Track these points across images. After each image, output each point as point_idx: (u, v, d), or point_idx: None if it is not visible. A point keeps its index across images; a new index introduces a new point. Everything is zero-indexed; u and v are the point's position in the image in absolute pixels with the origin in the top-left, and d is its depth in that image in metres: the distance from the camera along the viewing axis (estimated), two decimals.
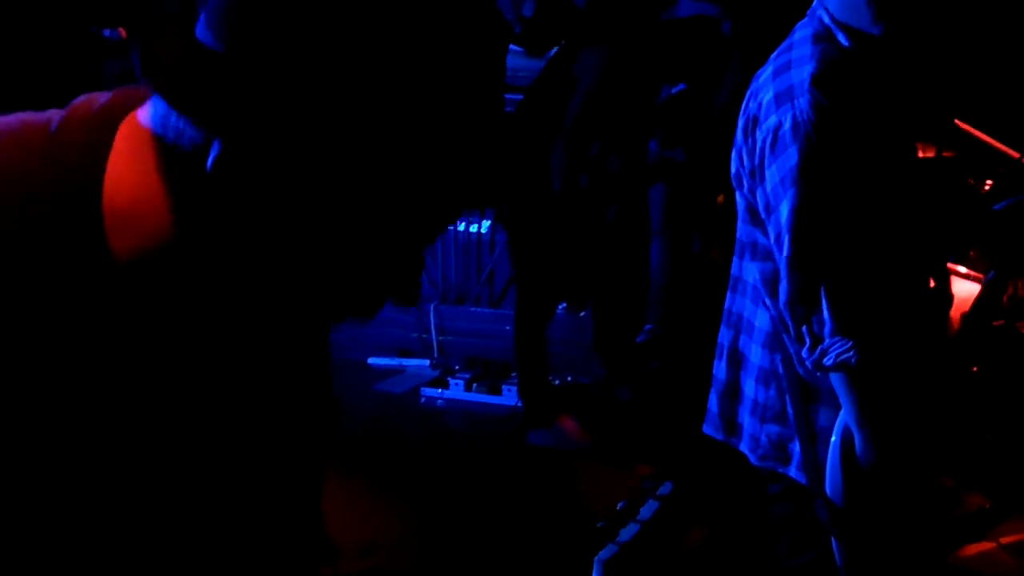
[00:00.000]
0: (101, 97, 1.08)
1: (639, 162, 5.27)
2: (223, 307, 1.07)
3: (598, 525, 3.40)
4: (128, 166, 1.03)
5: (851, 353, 2.27)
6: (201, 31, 0.96)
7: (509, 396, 5.53)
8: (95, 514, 1.05)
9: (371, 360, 6.03)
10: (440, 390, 5.67)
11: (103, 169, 1.03)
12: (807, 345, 2.30)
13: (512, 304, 5.99)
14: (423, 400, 5.65)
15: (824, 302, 2.27)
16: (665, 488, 3.76)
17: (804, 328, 2.30)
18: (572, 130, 4.68)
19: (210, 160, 0.98)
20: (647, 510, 3.61)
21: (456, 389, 5.64)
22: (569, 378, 5.61)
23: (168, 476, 1.09)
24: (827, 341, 2.28)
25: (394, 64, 0.96)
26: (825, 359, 2.29)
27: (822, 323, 2.28)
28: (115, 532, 1.07)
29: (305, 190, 0.98)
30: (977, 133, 4.93)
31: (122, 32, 5.79)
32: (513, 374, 5.63)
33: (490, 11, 1.03)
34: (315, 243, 1.01)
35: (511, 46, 5.83)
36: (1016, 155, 4.70)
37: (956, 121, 4.84)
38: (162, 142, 1.01)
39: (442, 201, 1.03)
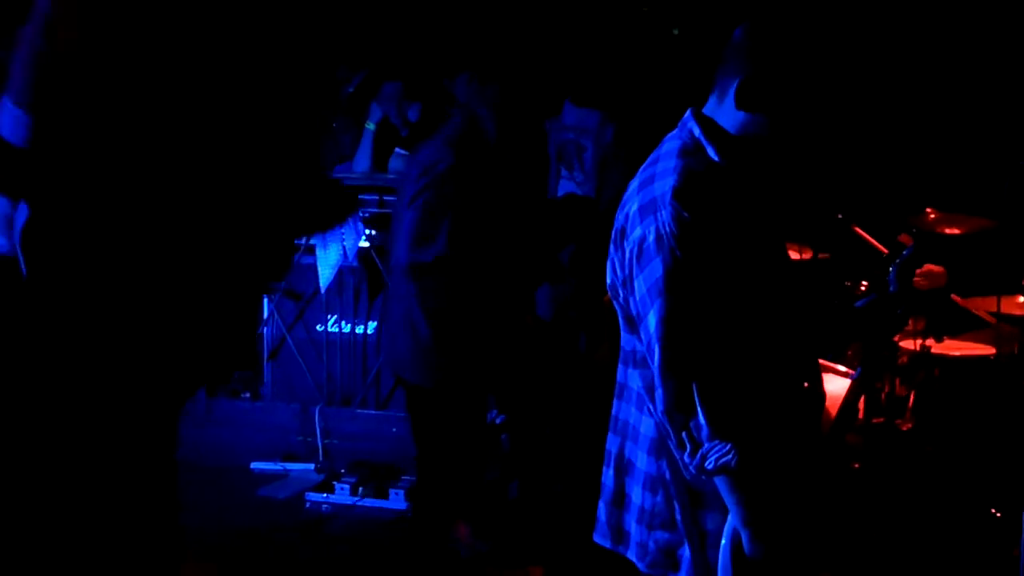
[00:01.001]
0: None
1: (525, 261, 5.30)
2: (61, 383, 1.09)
3: None
4: None
5: (730, 456, 2.30)
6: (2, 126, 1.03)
7: (397, 500, 5.47)
8: None
9: (254, 465, 5.93)
10: (325, 495, 5.59)
11: None
12: (687, 451, 2.33)
13: (398, 405, 5.96)
14: (308, 505, 5.57)
15: (699, 407, 2.30)
16: None
17: (684, 434, 2.33)
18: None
19: (18, 224, 1.02)
20: None
21: (342, 493, 5.56)
22: None
23: None
24: (706, 445, 2.31)
25: (194, 139, 1.00)
26: (706, 463, 2.32)
27: (699, 427, 2.31)
28: None
29: (115, 257, 1.01)
30: (857, 230, 5.08)
31: None
32: (401, 477, 5.58)
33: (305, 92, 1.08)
34: (138, 308, 1.03)
35: (397, 149, 5.88)
36: (886, 251, 4.86)
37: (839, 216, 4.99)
38: None
39: (256, 262, 1.07)
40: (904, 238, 4.89)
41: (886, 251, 4.73)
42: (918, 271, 4.73)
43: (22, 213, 0.95)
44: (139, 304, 0.94)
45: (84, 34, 0.96)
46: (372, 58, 6.32)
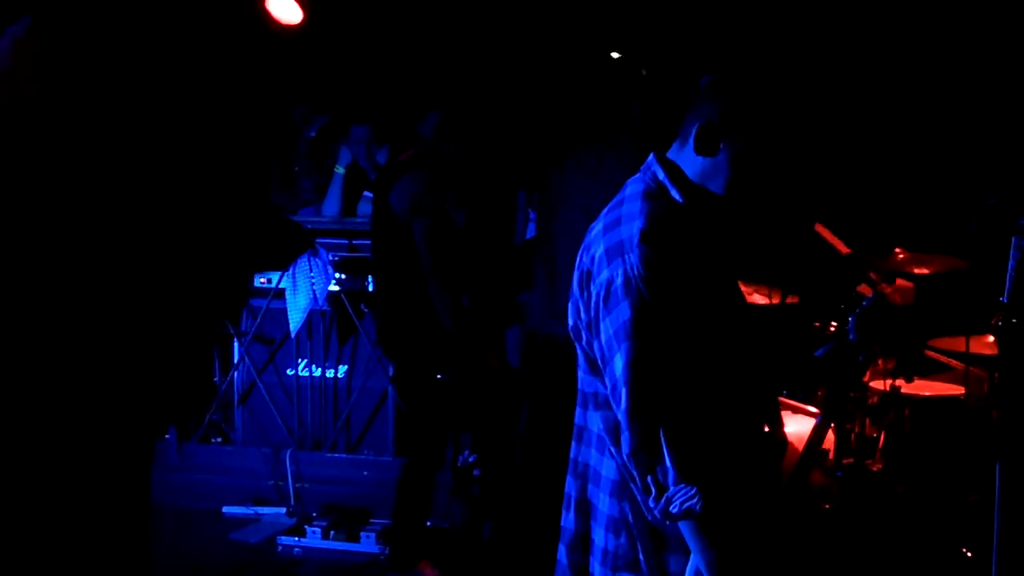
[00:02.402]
0: None
1: (495, 305, 5.30)
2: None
3: None
4: None
5: (695, 500, 2.28)
6: None
7: (368, 543, 5.46)
8: None
9: (226, 509, 5.90)
10: (297, 538, 5.58)
11: None
12: (652, 494, 2.31)
13: (369, 449, 5.94)
14: (280, 549, 5.54)
15: (665, 451, 2.29)
16: None
17: (649, 478, 2.31)
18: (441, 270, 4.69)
19: None
20: None
21: (313, 537, 5.55)
22: (429, 523, 5.54)
23: None
24: (671, 490, 2.30)
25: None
26: (671, 507, 2.30)
27: (665, 472, 2.29)
28: None
29: (64, 295, 1.02)
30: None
31: None
32: (372, 520, 5.55)
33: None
34: (88, 348, 1.03)
35: (365, 193, 5.88)
36: (847, 250, 4.89)
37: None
38: None
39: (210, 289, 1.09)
40: (864, 289, 4.93)
41: (847, 250, 4.77)
42: (892, 287, 4.77)
43: None
44: (89, 343, 0.95)
45: (43, 86, 0.98)
46: (341, 102, 6.33)
